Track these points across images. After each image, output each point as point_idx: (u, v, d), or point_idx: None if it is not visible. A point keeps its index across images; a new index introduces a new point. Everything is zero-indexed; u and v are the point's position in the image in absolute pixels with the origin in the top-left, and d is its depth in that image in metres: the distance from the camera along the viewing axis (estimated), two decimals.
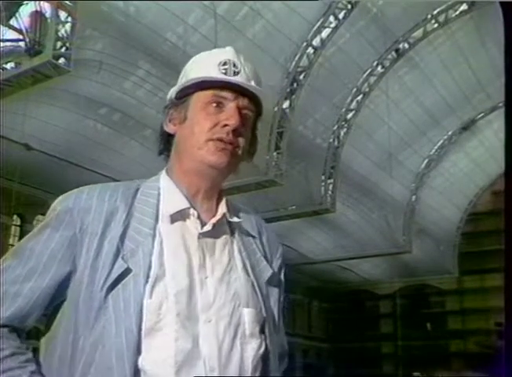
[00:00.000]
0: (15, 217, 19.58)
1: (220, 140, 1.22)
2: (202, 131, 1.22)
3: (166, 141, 1.31)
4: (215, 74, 1.24)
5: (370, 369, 30.78)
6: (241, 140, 1.24)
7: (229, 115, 1.22)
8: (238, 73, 1.24)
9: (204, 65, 1.26)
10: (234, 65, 1.25)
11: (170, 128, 1.29)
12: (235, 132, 1.22)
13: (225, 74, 1.24)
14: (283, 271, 1.37)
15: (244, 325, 1.19)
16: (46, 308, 1.18)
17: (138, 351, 1.09)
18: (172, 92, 1.30)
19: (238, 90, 1.24)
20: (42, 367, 1.14)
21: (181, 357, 1.10)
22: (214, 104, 1.23)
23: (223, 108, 1.23)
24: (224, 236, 1.26)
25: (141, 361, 1.09)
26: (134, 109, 17.44)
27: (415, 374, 26.40)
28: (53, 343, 1.16)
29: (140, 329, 1.10)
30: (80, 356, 1.10)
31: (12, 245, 19.75)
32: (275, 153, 18.86)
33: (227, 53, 1.28)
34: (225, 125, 1.22)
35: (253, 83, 1.26)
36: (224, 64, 1.24)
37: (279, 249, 1.39)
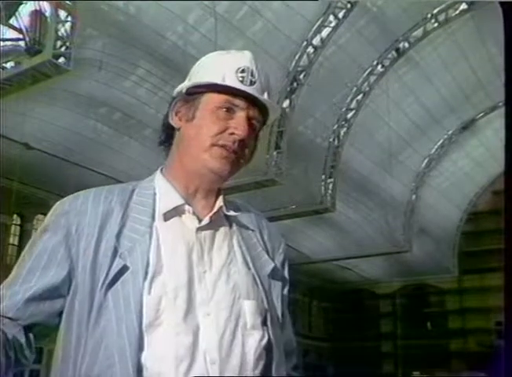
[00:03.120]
0: (15, 216, 19.59)
1: (224, 147, 1.22)
2: (209, 135, 1.22)
3: (168, 133, 1.31)
4: (232, 81, 1.23)
5: (370, 368, 30.76)
6: (246, 151, 1.25)
7: (238, 125, 1.22)
8: (254, 83, 1.24)
9: (222, 68, 1.25)
10: (251, 74, 1.25)
11: (175, 122, 1.28)
12: (242, 142, 1.23)
13: (242, 82, 1.23)
14: (286, 266, 1.37)
15: (245, 317, 1.19)
16: (46, 308, 1.16)
17: (140, 348, 1.09)
18: (183, 86, 1.29)
19: (250, 100, 1.24)
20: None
21: (181, 352, 1.10)
22: (225, 109, 1.23)
23: (233, 115, 1.23)
24: (223, 231, 1.26)
25: (143, 358, 1.09)
26: (134, 108, 17.44)
27: (415, 373, 26.41)
28: (56, 348, 1.16)
29: (141, 326, 1.10)
30: (83, 357, 1.10)
31: (13, 244, 19.78)
32: (275, 152, 18.87)
33: (245, 58, 1.27)
34: (233, 133, 1.22)
35: (266, 94, 1.27)
36: (242, 71, 1.24)
37: (281, 245, 1.40)
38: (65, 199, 1.25)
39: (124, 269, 1.13)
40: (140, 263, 1.14)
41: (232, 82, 1.23)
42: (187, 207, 1.23)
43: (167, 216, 1.22)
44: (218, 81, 1.23)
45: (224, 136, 1.22)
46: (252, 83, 1.24)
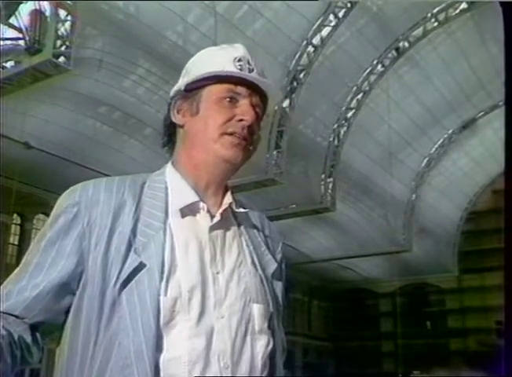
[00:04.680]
0: (15, 215, 19.59)
1: (234, 134, 1.20)
2: (216, 124, 1.20)
3: (170, 134, 1.30)
4: (232, 69, 1.22)
5: (370, 368, 30.82)
6: (254, 138, 1.24)
7: (244, 111, 1.21)
8: (252, 70, 1.24)
9: (218, 59, 1.24)
10: (248, 62, 1.24)
11: (178, 119, 1.26)
12: (250, 128, 1.21)
13: (241, 70, 1.22)
14: (283, 266, 1.35)
15: (254, 321, 1.17)
16: (54, 305, 1.13)
17: (158, 348, 1.06)
18: (181, 84, 1.27)
19: (251, 87, 1.23)
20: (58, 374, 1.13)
21: (195, 355, 1.08)
22: (228, 99, 1.22)
23: (236, 104, 1.22)
24: (232, 229, 1.24)
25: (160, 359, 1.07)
26: (134, 108, 17.44)
27: (415, 372, 26.42)
28: (61, 345, 1.14)
29: (158, 326, 1.07)
30: (94, 355, 1.07)
31: (13, 244, 19.79)
32: (275, 152, 18.87)
33: (240, 49, 1.26)
34: (240, 120, 1.21)
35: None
36: (240, 60, 1.23)
37: (279, 244, 1.38)
38: (74, 188, 1.20)
39: (140, 267, 1.10)
40: (156, 261, 1.11)
41: (233, 70, 1.22)
42: (201, 205, 1.20)
43: (182, 213, 1.19)
44: (218, 70, 1.22)
45: (232, 123, 1.21)
46: (250, 71, 1.23)
